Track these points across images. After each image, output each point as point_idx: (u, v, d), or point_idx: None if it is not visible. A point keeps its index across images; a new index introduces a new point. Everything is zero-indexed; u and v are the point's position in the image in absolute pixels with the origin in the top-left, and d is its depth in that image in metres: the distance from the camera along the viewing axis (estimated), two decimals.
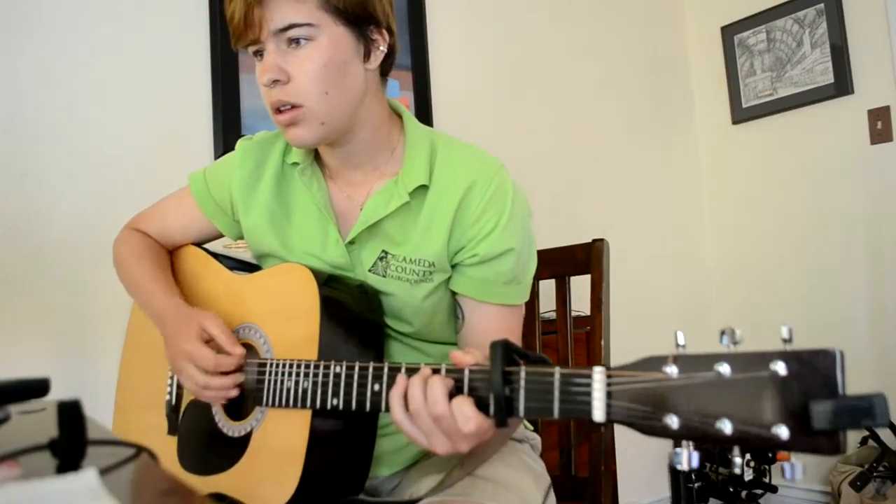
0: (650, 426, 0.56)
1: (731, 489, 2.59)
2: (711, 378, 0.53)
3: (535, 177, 2.51)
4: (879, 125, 2.49)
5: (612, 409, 0.59)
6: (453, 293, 0.99)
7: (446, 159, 0.96)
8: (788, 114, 2.73)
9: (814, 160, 2.67)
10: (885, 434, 2.37)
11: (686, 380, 0.55)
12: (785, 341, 0.51)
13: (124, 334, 1.20)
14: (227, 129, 1.86)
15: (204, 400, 0.95)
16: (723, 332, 0.54)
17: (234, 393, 0.92)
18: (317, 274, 0.92)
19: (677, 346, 0.56)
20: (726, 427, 0.52)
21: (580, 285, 1.33)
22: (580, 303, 1.37)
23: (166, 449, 1.03)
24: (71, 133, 1.67)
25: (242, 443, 0.93)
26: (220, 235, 1.15)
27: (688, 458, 0.55)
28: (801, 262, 2.69)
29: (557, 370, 0.64)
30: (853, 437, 2.47)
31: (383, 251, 0.96)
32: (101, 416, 0.80)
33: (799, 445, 0.50)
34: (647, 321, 2.68)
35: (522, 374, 0.66)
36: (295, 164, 1.02)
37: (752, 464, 2.58)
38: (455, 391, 0.71)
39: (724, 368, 0.53)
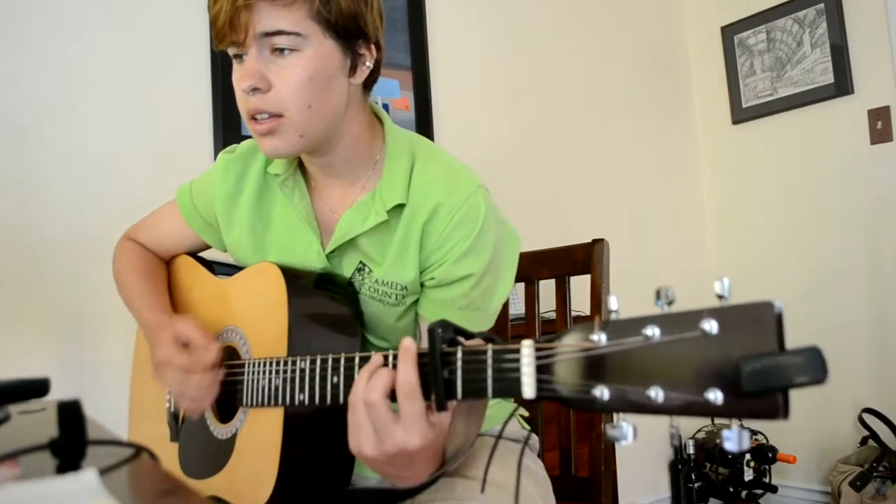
0: (580, 400, 0.52)
1: (731, 489, 2.59)
2: (640, 343, 0.49)
3: (535, 177, 2.51)
4: (879, 125, 2.49)
5: (542, 384, 0.55)
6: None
7: (422, 176, 0.93)
8: (788, 114, 2.73)
9: (814, 160, 2.67)
10: (885, 434, 2.37)
11: (614, 346, 0.50)
12: (720, 297, 0.46)
13: (133, 341, 1.21)
14: (227, 129, 1.86)
15: (189, 410, 0.94)
16: (657, 293, 0.50)
17: (214, 392, 0.91)
18: (288, 271, 0.91)
19: (609, 311, 0.52)
20: (658, 395, 0.48)
21: (580, 285, 1.33)
22: (580, 303, 1.37)
23: (170, 456, 1.04)
24: (71, 133, 1.67)
25: (230, 444, 0.93)
26: (203, 246, 1.15)
27: (632, 433, 0.50)
28: (801, 261, 2.69)
29: (490, 347, 0.61)
30: (853, 438, 2.48)
31: (361, 262, 0.96)
32: (101, 416, 0.80)
33: (734, 411, 0.45)
34: None
35: (459, 355, 0.63)
36: (276, 175, 1.00)
37: (752, 464, 2.58)
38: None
39: (653, 331, 0.48)
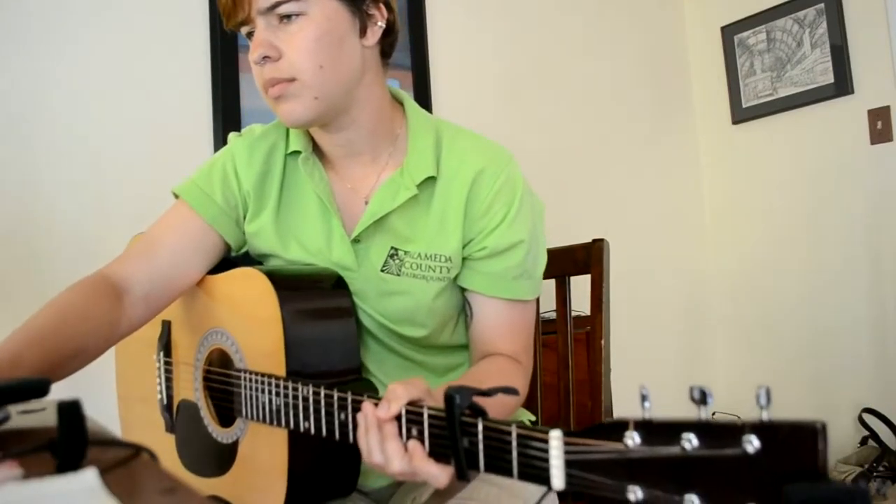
0: (613, 499, 0.51)
1: None
2: (677, 453, 0.48)
3: (535, 176, 2.50)
4: (879, 125, 2.48)
5: (572, 478, 0.54)
6: (462, 289, 0.96)
7: (453, 148, 0.93)
8: (788, 114, 2.73)
9: (814, 160, 2.67)
10: (885, 434, 2.37)
11: (649, 452, 0.49)
12: (761, 408, 0.45)
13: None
14: (227, 129, 1.86)
15: None
16: (691, 393, 0.48)
17: None
18: (276, 279, 0.88)
19: (642, 401, 0.50)
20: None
21: (580, 285, 1.33)
22: (580, 303, 1.37)
23: (167, 446, 1.04)
24: (70, 134, 1.67)
25: (232, 450, 0.93)
26: (218, 255, 1.01)
27: None
28: (801, 261, 2.68)
29: (514, 429, 0.58)
30: (853, 438, 2.47)
31: (393, 248, 0.92)
32: (101, 416, 0.79)
33: None
34: (647, 321, 2.68)
35: (480, 428, 0.61)
36: (296, 152, 0.96)
37: None
38: (415, 434, 0.66)
39: (692, 443, 0.47)
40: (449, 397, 0.61)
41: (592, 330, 1.25)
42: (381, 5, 0.90)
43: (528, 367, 0.97)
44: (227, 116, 1.87)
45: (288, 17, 0.85)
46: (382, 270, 0.93)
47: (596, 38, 2.76)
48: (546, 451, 0.55)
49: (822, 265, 2.63)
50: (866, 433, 2.41)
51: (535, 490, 0.95)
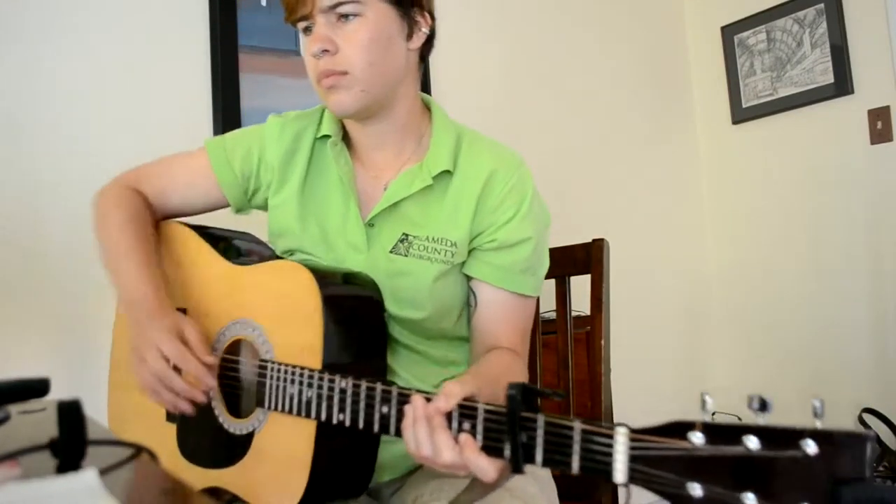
0: (672, 493, 0.55)
1: None
2: (740, 452, 0.52)
3: (536, 176, 2.50)
4: (879, 125, 2.49)
5: (635, 472, 0.57)
6: (469, 278, 1.02)
7: (470, 149, 1.01)
8: (788, 114, 2.73)
9: (814, 160, 2.67)
10: (885, 434, 2.37)
11: (713, 451, 0.53)
12: (816, 416, 0.51)
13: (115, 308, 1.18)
14: (228, 130, 1.85)
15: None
16: (749, 401, 0.53)
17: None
18: (318, 274, 0.90)
19: (703, 407, 0.55)
20: (751, 502, 0.51)
21: (580, 285, 1.33)
22: (580, 303, 1.37)
23: (166, 435, 1.02)
24: (70, 133, 1.67)
25: (244, 441, 0.92)
26: (221, 206, 1.13)
27: None
28: (801, 261, 2.69)
29: (578, 425, 0.62)
30: None
31: (404, 233, 0.99)
32: (101, 416, 0.80)
33: None
34: (647, 321, 2.68)
35: (540, 423, 0.64)
36: (326, 136, 1.04)
37: None
38: (467, 428, 0.69)
39: (753, 444, 0.52)
40: (511, 397, 0.65)
41: (592, 330, 1.25)
42: (426, 13, 1.00)
43: (525, 360, 1.04)
44: (227, 116, 1.87)
45: (346, 16, 0.94)
46: (391, 251, 0.99)
47: (596, 38, 2.76)
48: (610, 445, 0.59)
49: (822, 265, 2.63)
50: None
51: (535, 491, 0.95)
